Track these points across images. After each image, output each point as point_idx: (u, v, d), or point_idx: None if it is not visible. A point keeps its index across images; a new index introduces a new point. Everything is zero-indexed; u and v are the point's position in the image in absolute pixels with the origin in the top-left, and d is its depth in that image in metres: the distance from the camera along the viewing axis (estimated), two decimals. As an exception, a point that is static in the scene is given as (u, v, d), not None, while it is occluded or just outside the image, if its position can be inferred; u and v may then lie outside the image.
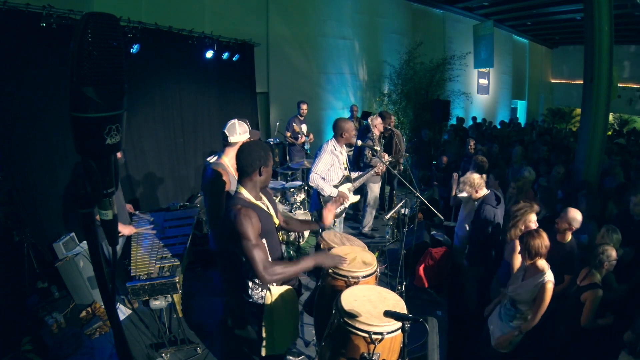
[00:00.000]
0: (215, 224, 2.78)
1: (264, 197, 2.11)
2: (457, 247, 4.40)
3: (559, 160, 5.38)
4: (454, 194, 4.14)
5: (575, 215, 2.84)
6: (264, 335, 2.07)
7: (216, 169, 2.66)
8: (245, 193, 1.99)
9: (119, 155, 3.24)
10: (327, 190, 3.55)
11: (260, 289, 2.05)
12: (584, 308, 2.51)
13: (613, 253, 2.54)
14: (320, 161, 3.52)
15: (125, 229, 3.18)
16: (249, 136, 2.81)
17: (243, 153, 1.98)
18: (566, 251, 2.87)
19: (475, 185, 3.45)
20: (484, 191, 3.46)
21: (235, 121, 2.79)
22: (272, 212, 2.12)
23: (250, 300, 2.08)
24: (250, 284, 2.06)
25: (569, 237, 2.92)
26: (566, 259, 2.84)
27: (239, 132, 2.77)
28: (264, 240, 1.97)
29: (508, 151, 6.80)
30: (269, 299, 2.04)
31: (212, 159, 2.92)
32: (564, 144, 7.45)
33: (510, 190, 4.03)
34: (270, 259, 1.98)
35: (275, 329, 2.08)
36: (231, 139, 2.75)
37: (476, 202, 3.48)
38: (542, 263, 2.45)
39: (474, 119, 11.73)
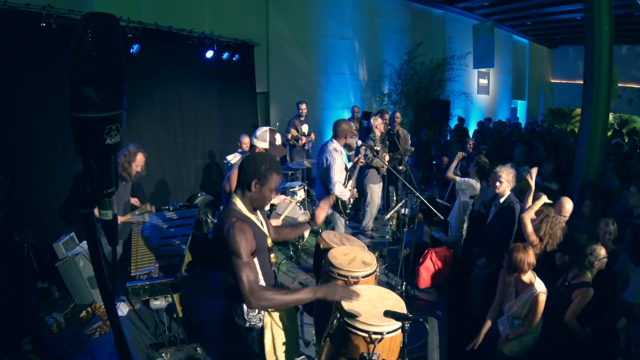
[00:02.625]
0: None
1: (258, 213, 1.93)
2: (451, 238, 4.40)
3: (550, 158, 5.40)
4: (452, 169, 4.16)
5: (568, 203, 3.05)
6: (266, 357, 1.93)
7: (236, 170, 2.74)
8: (239, 204, 1.82)
9: (138, 169, 3.20)
10: (347, 194, 3.65)
11: (256, 311, 1.87)
12: (572, 304, 2.51)
13: (602, 252, 2.54)
14: (337, 168, 3.57)
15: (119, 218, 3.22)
16: (266, 146, 2.86)
17: (245, 161, 1.84)
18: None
19: (511, 180, 3.36)
20: (508, 191, 3.42)
21: (267, 128, 2.90)
22: (266, 230, 1.95)
23: (247, 325, 1.89)
24: (245, 307, 1.86)
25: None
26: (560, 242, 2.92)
27: (259, 137, 2.87)
28: (255, 260, 1.80)
29: (509, 150, 6.80)
30: (268, 323, 1.89)
31: (233, 159, 3.01)
32: (564, 143, 7.45)
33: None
34: (261, 281, 1.82)
35: (278, 351, 1.96)
36: (253, 141, 2.88)
37: (501, 199, 3.42)
38: (529, 276, 2.47)
39: (488, 120, 11.74)
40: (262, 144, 2.87)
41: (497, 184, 3.34)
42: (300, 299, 1.73)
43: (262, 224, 1.92)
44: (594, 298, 2.50)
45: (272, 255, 2.06)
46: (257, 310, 1.87)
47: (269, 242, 1.99)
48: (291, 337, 2.04)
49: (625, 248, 2.87)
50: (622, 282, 2.72)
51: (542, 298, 2.39)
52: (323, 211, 2.32)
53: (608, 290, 2.77)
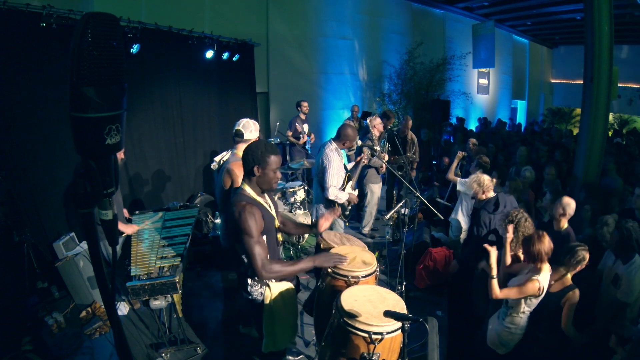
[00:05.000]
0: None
1: (266, 196, 2.13)
2: (451, 238, 4.39)
3: (550, 161, 5.40)
4: (453, 170, 4.16)
5: (569, 201, 3.00)
6: (264, 332, 2.10)
7: (231, 167, 2.86)
8: (248, 189, 2.01)
9: (120, 155, 3.33)
10: (344, 198, 3.58)
11: (259, 285, 2.08)
12: (563, 312, 2.46)
13: (587, 255, 2.51)
14: (333, 172, 3.50)
15: (127, 228, 3.22)
16: (256, 135, 3.04)
17: (244, 152, 2.02)
18: (562, 237, 2.96)
19: (483, 186, 3.36)
20: (490, 194, 3.38)
21: (249, 120, 3.06)
22: (274, 212, 2.15)
23: (250, 297, 2.10)
24: (249, 281, 2.08)
25: (564, 224, 3.05)
26: (562, 246, 2.87)
27: (252, 129, 3.01)
28: (264, 237, 2.00)
29: (509, 151, 6.80)
30: (268, 297, 2.06)
31: (225, 156, 3.09)
32: (564, 143, 7.45)
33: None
34: (269, 257, 2.01)
35: (275, 325, 2.11)
36: (246, 136, 2.97)
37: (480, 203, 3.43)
38: (544, 265, 2.44)
39: (483, 119, 11.74)
40: (255, 134, 3.02)
41: (480, 197, 3.41)
42: (303, 268, 2.02)
43: (270, 207, 2.11)
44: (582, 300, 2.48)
45: (278, 235, 2.22)
46: (259, 285, 2.07)
47: (277, 223, 2.17)
48: (288, 315, 2.17)
49: (612, 248, 2.85)
50: (608, 281, 2.72)
51: (535, 285, 2.35)
52: (327, 221, 2.38)
53: (593, 289, 2.79)
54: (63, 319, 3.35)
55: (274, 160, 1.97)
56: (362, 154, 4.02)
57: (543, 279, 2.39)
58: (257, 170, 1.96)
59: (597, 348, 2.59)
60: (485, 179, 3.40)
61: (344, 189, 3.65)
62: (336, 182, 3.53)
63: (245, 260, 2.02)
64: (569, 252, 2.51)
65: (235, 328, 3.26)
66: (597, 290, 2.84)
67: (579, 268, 2.51)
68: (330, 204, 3.60)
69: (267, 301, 2.06)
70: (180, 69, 5.31)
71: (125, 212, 3.68)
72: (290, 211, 4.72)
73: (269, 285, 2.07)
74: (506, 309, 2.54)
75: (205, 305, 3.70)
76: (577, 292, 2.45)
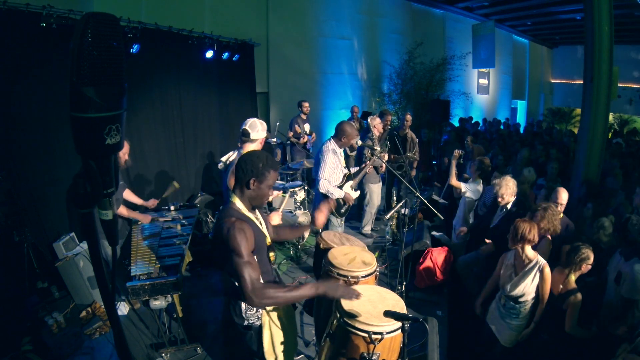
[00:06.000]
0: None
1: (257, 212, 1.95)
2: (455, 243, 4.38)
3: (551, 158, 5.42)
4: (454, 174, 4.14)
5: (565, 193, 3.20)
6: (266, 357, 1.93)
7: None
8: (238, 203, 1.83)
9: (125, 157, 3.32)
10: (336, 193, 3.57)
11: (254, 310, 1.89)
12: (567, 315, 2.47)
13: (592, 256, 2.51)
14: (325, 166, 3.52)
15: (144, 218, 3.43)
16: (264, 134, 3.01)
17: (242, 159, 1.83)
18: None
19: (510, 191, 3.29)
20: (512, 198, 3.36)
21: (256, 119, 3.02)
22: (264, 229, 1.96)
23: (246, 323, 1.91)
24: (243, 305, 1.88)
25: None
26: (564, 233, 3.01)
27: (259, 128, 2.97)
28: (255, 258, 1.80)
29: (509, 151, 6.80)
30: (266, 320, 1.89)
31: (232, 156, 3.07)
32: (563, 141, 7.46)
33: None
34: (261, 279, 1.79)
35: (277, 347, 1.96)
36: (253, 135, 2.93)
37: (504, 209, 3.39)
38: (530, 253, 2.49)
39: (471, 119, 11.72)
40: (264, 134, 2.98)
41: (500, 199, 3.36)
42: (302, 296, 1.75)
43: (261, 223, 1.93)
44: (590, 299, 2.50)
45: (271, 254, 2.05)
46: (255, 309, 1.88)
47: (268, 240, 1.99)
48: (289, 336, 2.03)
49: (617, 245, 2.85)
50: (612, 279, 2.72)
51: (547, 270, 2.41)
52: (322, 214, 2.32)
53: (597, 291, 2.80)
54: (63, 319, 3.35)
55: (273, 176, 1.83)
56: (367, 162, 4.00)
57: (541, 258, 2.47)
58: (253, 183, 1.79)
59: (598, 348, 2.60)
60: (512, 182, 3.34)
61: (341, 187, 3.65)
62: (328, 176, 3.53)
63: (236, 283, 1.79)
64: (572, 251, 2.52)
65: (235, 328, 3.26)
66: (602, 292, 2.84)
67: (584, 267, 2.50)
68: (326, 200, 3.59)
69: (265, 327, 1.88)
70: (180, 69, 5.31)
71: (153, 203, 3.71)
72: (290, 211, 4.72)
73: (266, 309, 1.88)
74: (518, 306, 2.53)
75: (205, 305, 3.70)
76: (579, 295, 2.45)
